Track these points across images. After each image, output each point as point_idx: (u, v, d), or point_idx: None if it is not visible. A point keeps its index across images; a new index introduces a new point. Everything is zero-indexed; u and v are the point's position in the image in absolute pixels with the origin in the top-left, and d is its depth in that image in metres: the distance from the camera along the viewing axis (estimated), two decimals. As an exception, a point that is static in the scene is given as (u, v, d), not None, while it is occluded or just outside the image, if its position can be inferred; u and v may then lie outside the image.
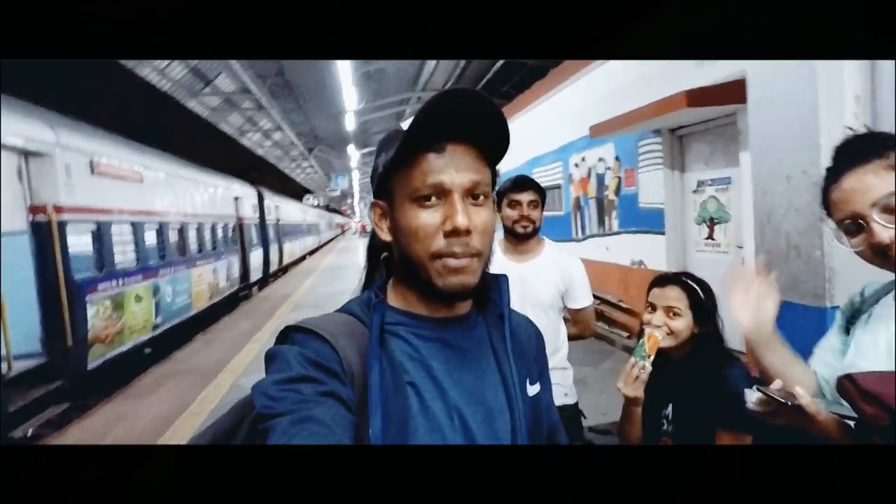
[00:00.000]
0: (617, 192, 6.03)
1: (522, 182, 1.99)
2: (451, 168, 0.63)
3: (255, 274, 13.40)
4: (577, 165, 6.93)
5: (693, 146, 4.87)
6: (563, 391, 1.97)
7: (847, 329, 1.06)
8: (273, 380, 0.59)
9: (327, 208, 51.12)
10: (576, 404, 2.00)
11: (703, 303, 1.49)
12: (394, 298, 0.71)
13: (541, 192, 1.98)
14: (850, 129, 1.62)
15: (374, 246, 0.77)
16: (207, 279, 9.37)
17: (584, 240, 6.90)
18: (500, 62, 8.42)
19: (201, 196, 9.75)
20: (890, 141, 0.87)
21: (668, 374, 1.54)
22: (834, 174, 0.92)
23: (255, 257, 13.35)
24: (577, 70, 6.62)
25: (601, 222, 6.48)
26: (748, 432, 1.38)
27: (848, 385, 0.80)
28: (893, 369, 0.87)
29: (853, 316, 1.05)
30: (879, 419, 0.75)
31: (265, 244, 14.45)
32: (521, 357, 0.74)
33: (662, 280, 1.56)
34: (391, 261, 0.73)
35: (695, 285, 1.51)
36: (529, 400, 0.73)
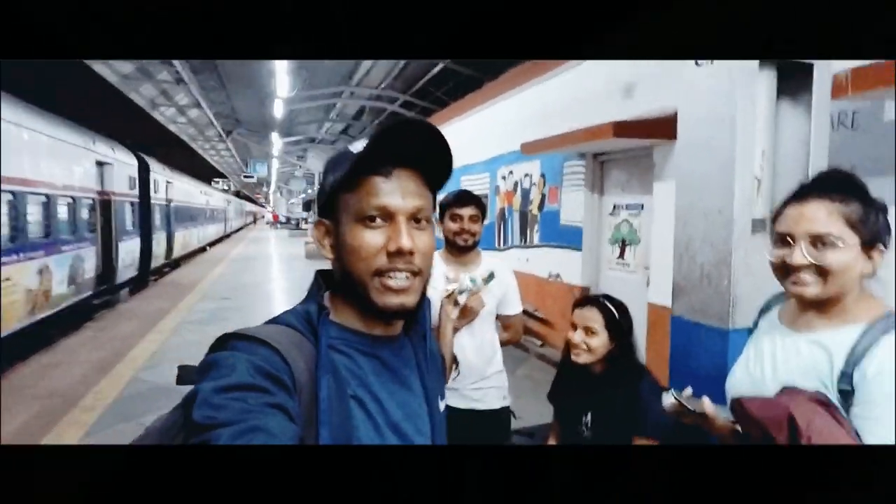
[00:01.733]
0: (540, 207, 6.37)
1: (464, 197, 2.08)
2: (398, 193, 0.67)
3: (127, 272, 10.01)
4: (504, 178, 7.21)
5: (612, 172, 5.28)
6: (502, 394, 2.10)
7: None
8: (214, 386, 0.55)
9: (238, 194, 48.45)
10: (508, 406, 2.13)
11: (618, 322, 1.65)
12: (334, 314, 0.72)
13: (481, 206, 2.08)
14: (758, 178, 1.91)
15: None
16: (26, 284, 6.13)
17: (505, 250, 7.20)
18: (437, 68, 8.55)
19: (27, 154, 6.43)
20: (862, 192, 1.00)
21: (588, 386, 1.70)
22: (799, 195, 1.05)
23: (129, 249, 10.00)
24: (512, 86, 6.91)
25: (523, 235, 6.80)
26: (657, 438, 1.57)
27: (737, 407, 0.98)
28: (763, 380, 1.07)
29: (756, 326, 1.26)
30: (757, 436, 0.93)
31: (146, 231, 11.17)
32: (435, 374, 0.80)
33: (583, 302, 1.72)
34: (330, 276, 0.75)
35: (611, 306, 1.66)
36: (440, 416, 0.78)
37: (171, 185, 13.93)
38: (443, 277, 2.06)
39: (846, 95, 2.59)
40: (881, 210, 1.00)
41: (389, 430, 0.68)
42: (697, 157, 1.86)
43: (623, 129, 4.05)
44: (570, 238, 5.75)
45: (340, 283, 0.71)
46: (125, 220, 10.03)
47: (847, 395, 0.94)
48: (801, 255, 1.00)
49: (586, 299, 1.72)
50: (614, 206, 5.27)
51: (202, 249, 19.30)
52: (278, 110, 10.00)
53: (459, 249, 2.05)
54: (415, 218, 0.68)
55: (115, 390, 4.54)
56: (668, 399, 1.15)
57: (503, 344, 2.16)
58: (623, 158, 5.01)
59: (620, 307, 1.70)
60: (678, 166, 1.95)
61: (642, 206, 4.87)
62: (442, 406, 0.81)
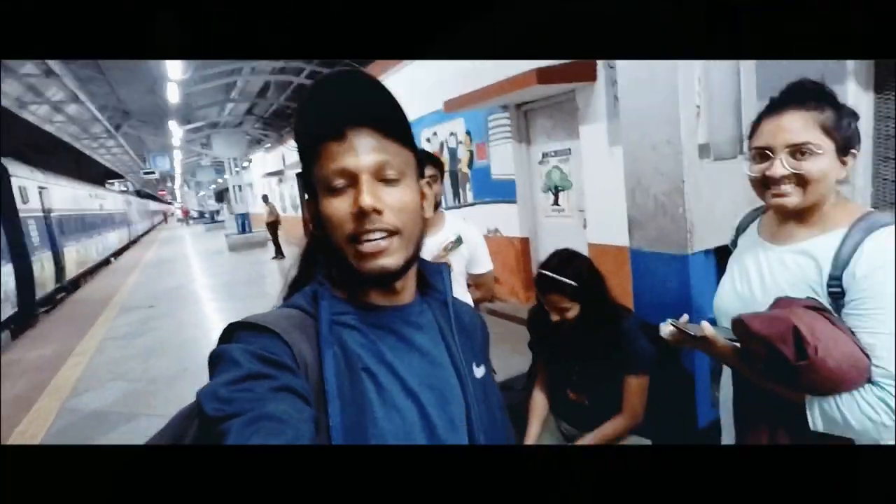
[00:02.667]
0: (469, 164, 6.34)
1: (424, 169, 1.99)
2: (353, 152, 0.64)
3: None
4: (428, 140, 7.09)
5: (537, 121, 5.33)
6: None
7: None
8: (222, 381, 0.56)
9: (139, 193, 44.67)
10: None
11: (589, 290, 1.61)
12: (338, 289, 0.71)
13: (439, 165, 2.02)
14: (698, 106, 1.95)
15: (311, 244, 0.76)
16: None
17: (440, 212, 7.16)
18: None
19: None
20: (833, 100, 1.02)
21: (568, 335, 1.71)
22: (774, 107, 1.06)
23: None
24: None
25: (455, 194, 6.77)
26: (647, 372, 1.61)
27: (738, 325, 1.00)
28: (752, 296, 1.11)
29: (734, 244, 1.30)
30: (762, 353, 0.96)
31: (19, 254, 8.61)
32: (466, 341, 0.76)
33: (545, 286, 1.63)
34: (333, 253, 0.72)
35: (571, 282, 1.58)
36: (478, 382, 0.75)
37: (47, 193, 11.10)
38: None
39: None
40: (851, 116, 1.03)
41: (407, 400, 0.65)
42: (641, 92, 1.88)
43: (546, 75, 4.05)
44: (503, 192, 5.79)
45: (331, 255, 0.69)
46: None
47: (837, 296, 0.98)
48: (780, 166, 1.02)
49: (546, 283, 1.63)
50: (543, 155, 5.34)
51: (106, 262, 16.79)
52: (173, 95, 9.12)
53: None
54: (382, 176, 0.65)
55: (42, 426, 4.11)
56: (667, 328, 1.17)
57: (477, 302, 2.15)
58: (546, 106, 5.05)
59: (585, 271, 1.64)
60: (622, 105, 1.96)
61: (570, 151, 4.97)
62: (479, 372, 0.77)
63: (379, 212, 0.63)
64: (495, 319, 5.72)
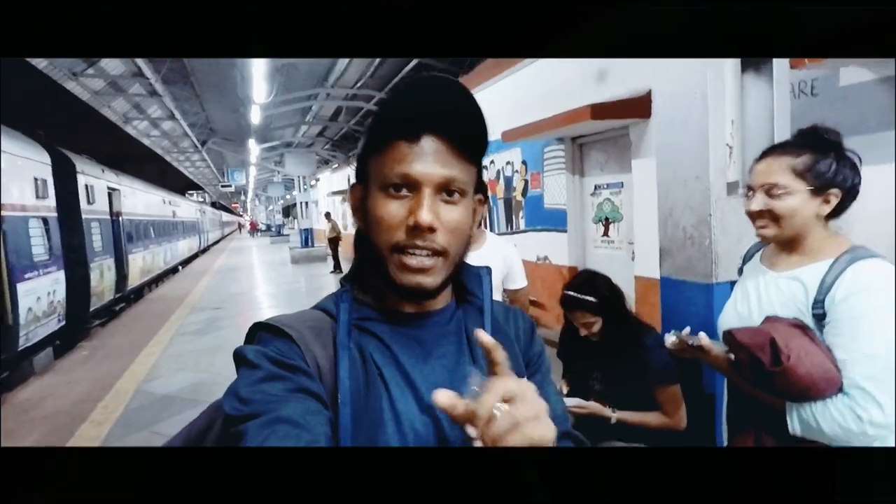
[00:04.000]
0: (524, 193, 6.54)
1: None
2: (424, 160, 0.61)
3: (39, 327, 6.31)
4: (486, 167, 7.36)
5: (591, 154, 5.47)
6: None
7: None
8: (243, 381, 0.58)
9: (214, 205, 47.78)
10: None
11: (608, 305, 1.78)
12: (363, 292, 0.69)
13: (482, 189, 2.22)
14: (730, 146, 2.08)
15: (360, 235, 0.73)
16: None
17: (492, 238, 7.36)
18: (412, 64, 8.64)
19: None
20: (815, 146, 1.18)
21: (591, 347, 1.87)
22: (761, 155, 1.26)
23: (39, 290, 6.30)
24: (486, 78, 7.05)
25: (509, 221, 6.97)
26: (675, 381, 1.74)
27: (728, 337, 1.15)
28: (750, 315, 1.24)
29: (740, 272, 1.44)
30: (743, 361, 1.10)
31: (76, 259, 7.64)
32: (504, 349, 0.72)
33: (569, 304, 1.80)
34: (359, 255, 0.72)
35: (594, 298, 1.75)
36: None
37: (117, 195, 10.43)
38: None
39: (804, 66, 2.80)
40: (840, 160, 1.17)
41: (423, 414, 0.62)
42: (674, 131, 2.03)
43: (600, 111, 4.22)
44: (554, 221, 5.93)
45: (367, 255, 0.67)
46: (34, 244, 6.30)
47: (820, 318, 1.11)
48: (756, 202, 1.21)
49: (570, 301, 1.79)
50: (595, 187, 5.46)
51: (173, 270, 16.39)
52: (255, 117, 9.97)
53: None
54: (446, 190, 0.62)
55: (121, 404, 4.59)
56: (671, 338, 1.31)
57: None
58: (601, 140, 5.20)
59: (604, 287, 1.80)
60: (658, 142, 2.12)
61: (622, 184, 5.07)
62: None
63: (433, 230, 0.60)
64: (539, 345, 5.79)
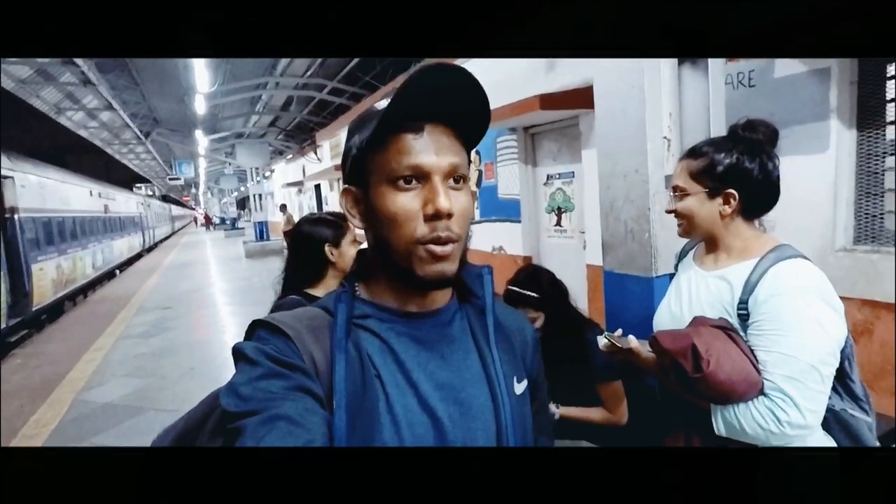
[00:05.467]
0: (478, 183, 6.51)
1: None
2: (431, 150, 0.61)
3: None
4: (441, 158, 7.29)
5: (543, 143, 5.49)
6: None
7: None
8: (241, 377, 0.57)
9: (165, 198, 45.89)
10: None
11: (551, 300, 1.77)
12: (364, 291, 0.69)
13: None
14: (667, 138, 2.09)
15: (301, 238, 0.75)
16: None
17: (449, 229, 7.31)
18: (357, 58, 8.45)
19: None
20: (714, 151, 1.21)
21: None
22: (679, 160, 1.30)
23: None
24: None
25: (465, 212, 6.94)
26: (616, 377, 1.73)
27: (652, 342, 1.14)
28: (682, 315, 1.24)
29: (676, 268, 1.44)
30: (666, 365, 1.09)
31: None
32: (508, 353, 0.71)
33: (513, 300, 1.78)
34: (362, 252, 0.71)
35: (535, 294, 1.75)
36: (517, 399, 0.69)
37: (10, 185, 7.85)
38: None
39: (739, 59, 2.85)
40: (742, 159, 1.17)
41: (423, 414, 0.61)
42: (614, 123, 2.02)
43: (548, 101, 4.22)
44: (508, 211, 5.94)
45: (374, 254, 0.67)
46: None
47: (744, 318, 1.11)
48: (668, 203, 1.29)
49: (513, 297, 1.78)
50: (548, 176, 5.49)
51: (109, 275, 14.14)
52: (200, 106, 9.54)
53: None
54: (452, 177, 0.63)
55: (56, 415, 4.32)
56: (602, 340, 1.29)
57: None
58: (552, 130, 5.22)
59: (546, 283, 1.79)
60: (598, 134, 2.11)
61: (573, 174, 5.11)
62: (520, 388, 0.70)
63: (451, 216, 0.61)
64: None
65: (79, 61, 7.50)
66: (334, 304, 0.66)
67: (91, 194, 13.15)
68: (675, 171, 1.29)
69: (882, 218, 2.82)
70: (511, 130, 5.64)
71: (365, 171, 0.65)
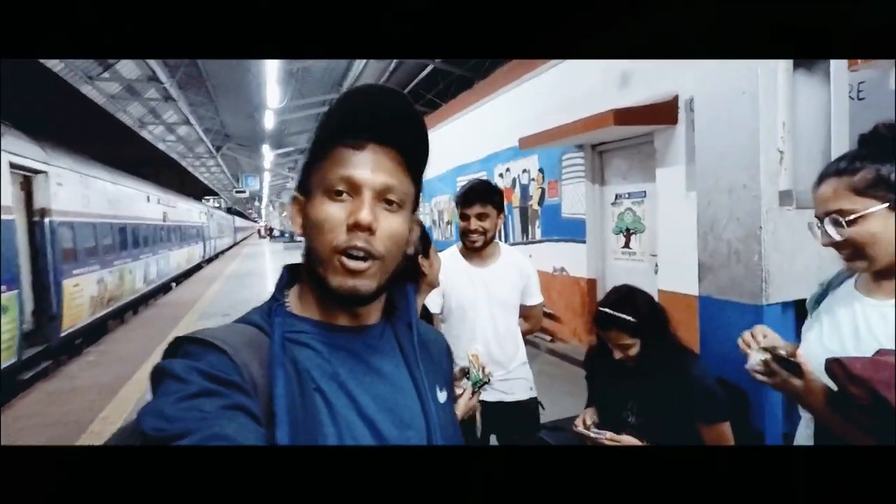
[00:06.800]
0: (540, 202, 6.34)
1: (470, 195, 1.97)
2: (366, 166, 0.63)
3: None
4: (501, 175, 7.18)
5: (612, 162, 5.26)
6: (528, 385, 2.08)
7: (814, 310, 1.23)
8: (168, 398, 0.52)
9: (229, 210, 48.25)
10: (536, 397, 2.10)
11: (649, 325, 1.56)
12: (297, 306, 0.69)
13: (492, 201, 1.98)
14: (781, 151, 1.87)
15: None
16: None
17: (507, 247, 7.17)
18: (428, 69, 8.53)
19: None
20: (872, 159, 1.00)
21: (626, 373, 1.65)
22: (817, 181, 1.09)
23: None
24: (504, 83, 6.89)
25: (524, 230, 6.77)
26: (727, 419, 1.52)
27: (836, 367, 0.92)
28: (843, 350, 1.03)
29: (819, 299, 1.22)
30: (863, 398, 0.87)
31: None
32: (430, 364, 0.74)
33: (605, 323, 1.59)
34: (296, 266, 0.72)
35: (631, 318, 1.54)
36: (441, 406, 0.73)
37: (43, 182, 6.38)
38: (464, 273, 2.02)
39: (855, 67, 2.58)
40: None
41: (363, 425, 0.62)
42: (719, 134, 1.83)
43: (623, 116, 4.03)
44: (572, 231, 5.72)
45: (305, 264, 0.68)
46: None
47: None
48: (825, 235, 1.03)
49: (605, 320, 1.60)
50: (616, 196, 5.24)
51: (164, 288, 13.00)
52: (269, 122, 9.93)
53: (470, 248, 2.01)
54: (385, 198, 0.64)
55: (122, 414, 4.46)
56: (758, 356, 1.04)
57: (525, 334, 2.15)
58: (623, 147, 4.99)
59: (644, 306, 1.59)
60: (698, 146, 1.91)
61: (645, 194, 4.85)
62: (442, 397, 0.74)
63: (373, 231, 0.62)
64: (557, 360, 5.57)
65: (162, 77, 7.99)
66: (268, 319, 0.65)
67: (149, 200, 11.94)
68: (822, 196, 1.05)
69: None
70: (578, 148, 5.45)
71: (309, 180, 0.67)
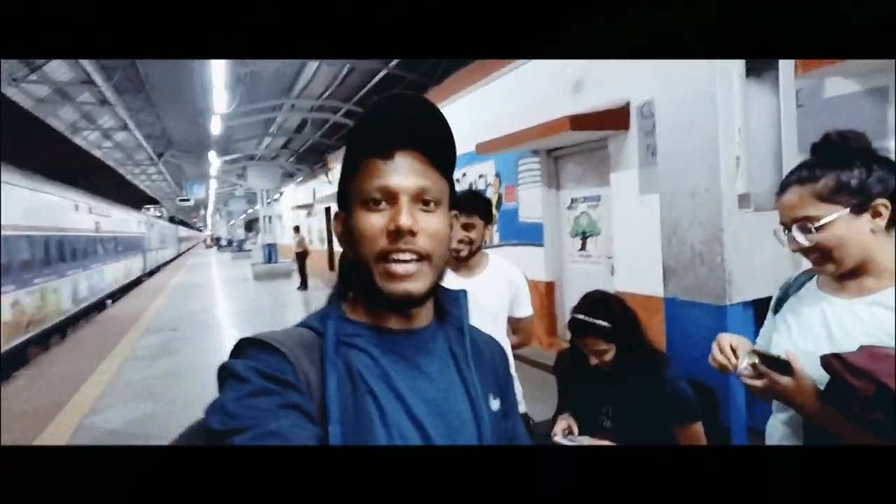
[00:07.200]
0: (497, 206, 6.39)
1: (456, 205, 1.95)
2: (399, 173, 0.65)
3: None
4: (458, 180, 7.19)
5: (567, 166, 5.37)
6: (518, 400, 2.04)
7: (776, 313, 1.26)
8: (230, 396, 0.56)
9: (172, 220, 46.12)
10: (526, 412, 2.07)
11: (624, 330, 1.58)
12: (351, 311, 0.71)
13: (478, 211, 1.96)
14: (737, 156, 1.94)
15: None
16: None
17: (465, 252, 7.17)
18: (380, 75, 8.45)
19: None
20: (833, 164, 1.05)
21: (601, 378, 1.66)
22: (781, 187, 1.12)
23: None
24: (457, 90, 6.92)
25: (482, 235, 6.80)
26: (697, 419, 1.54)
27: (835, 362, 0.93)
28: (819, 350, 1.06)
29: (780, 302, 1.26)
30: (866, 390, 0.88)
31: None
32: (482, 371, 0.74)
33: (580, 330, 1.60)
34: (348, 273, 0.73)
35: (608, 324, 1.56)
36: (493, 414, 0.73)
37: None
38: (450, 284, 1.96)
39: (797, 74, 2.73)
40: (871, 165, 1.02)
41: (412, 428, 0.63)
42: (680, 138, 1.88)
43: (579, 122, 4.11)
44: (530, 235, 5.79)
45: (354, 275, 0.70)
46: None
47: None
48: (794, 241, 1.07)
49: (580, 327, 1.60)
50: (572, 200, 5.35)
51: (98, 306, 11.56)
52: (215, 127, 9.54)
53: (455, 258, 1.96)
54: (422, 200, 0.66)
55: (59, 442, 4.12)
56: (746, 360, 1.05)
57: (514, 348, 2.09)
58: (577, 152, 5.10)
59: (618, 310, 1.61)
60: (660, 151, 1.96)
61: (599, 198, 4.97)
62: (495, 405, 0.74)
63: (414, 233, 0.64)
64: (522, 365, 5.58)
65: (97, 80, 7.52)
66: (322, 323, 0.67)
67: (77, 209, 10.67)
68: (787, 204, 1.08)
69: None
70: (534, 153, 5.53)
71: (347, 195, 0.69)
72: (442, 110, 0.68)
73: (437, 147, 0.67)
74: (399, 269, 0.64)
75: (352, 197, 0.68)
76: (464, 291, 0.79)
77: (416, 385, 0.66)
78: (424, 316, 0.72)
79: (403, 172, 0.65)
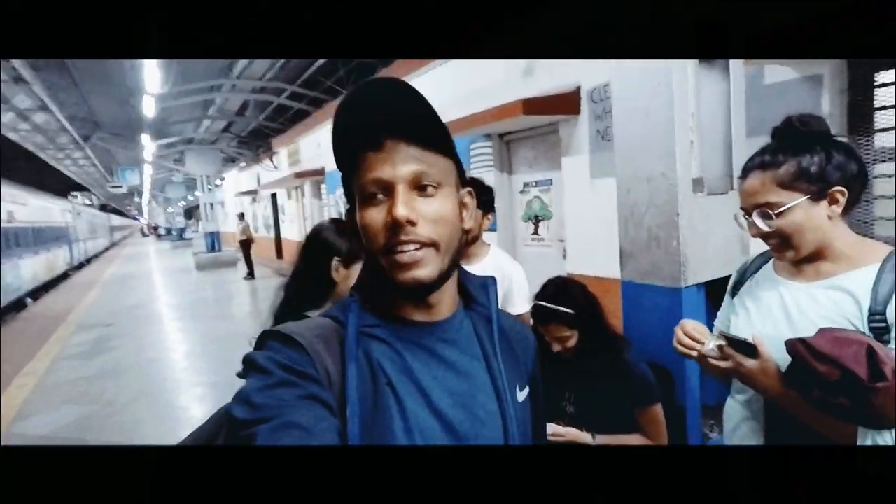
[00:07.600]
0: (450, 191, 6.34)
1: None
2: (390, 162, 0.63)
3: None
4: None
5: (519, 151, 5.38)
6: None
7: (733, 296, 1.29)
8: (253, 387, 0.57)
9: (104, 207, 43.28)
10: None
11: (587, 316, 1.58)
12: (371, 303, 0.70)
13: (477, 195, 1.87)
14: (692, 140, 1.97)
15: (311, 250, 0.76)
16: None
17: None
18: (322, 61, 8.14)
19: None
20: (795, 152, 1.05)
21: (563, 364, 1.66)
22: (743, 171, 1.13)
23: None
24: (406, 74, 6.77)
25: (435, 221, 6.74)
26: (659, 400, 1.57)
27: (800, 347, 0.93)
28: (779, 334, 1.08)
29: (737, 286, 1.28)
30: (831, 375, 0.90)
31: None
32: (511, 360, 0.73)
33: (543, 317, 1.59)
34: (371, 265, 0.71)
35: (571, 311, 1.55)
36: (520, 406, 0.72)
37: None
38: None
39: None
40: (830, 151, 1.04)
41: (433, 420, 0.63)
42: (636, 123, 1.88)
43: (531, 106, 4.11)
44: (483, 220, 5.78)
45: (372, 266, 0.69)
46: None
47: (881, 332, 0.95)
48: (754, 226, 1.09)
49: (543, 314, 1.59)
50: (524, 184, 5.37)
51: (16, 305, 10.60)
52: (148, 109, 8.91)
53: None
54: (418, 185, 0.63)
55: (-18, 452, 3.78)
56: (713, 342, 1.06)
57: None
58: (529, 136, 5.11)
59: (581, 297, 1.60)
60: (616, 136, 1.96)
61: (551, 182, 5.02)
62: (521, 395, 0.73)
63: (413, 223, 0.62)
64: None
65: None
66: (344, 314, 0.67)
67: None
68: (749, 189, 1.09)
69: (872, 225, 2.83)
70: (486, 137, 5.51)
71: (350, 191, 0.68)
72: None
73: (423, 127, 0.64)
74: (405, 257, 0.62)
75: (354, 192, 0.67)
76: (492, 278, 0.77)
77: (439, 376, 0.65)
78: (447, 305, 0.70)
79: (395, 161, 0.62)
